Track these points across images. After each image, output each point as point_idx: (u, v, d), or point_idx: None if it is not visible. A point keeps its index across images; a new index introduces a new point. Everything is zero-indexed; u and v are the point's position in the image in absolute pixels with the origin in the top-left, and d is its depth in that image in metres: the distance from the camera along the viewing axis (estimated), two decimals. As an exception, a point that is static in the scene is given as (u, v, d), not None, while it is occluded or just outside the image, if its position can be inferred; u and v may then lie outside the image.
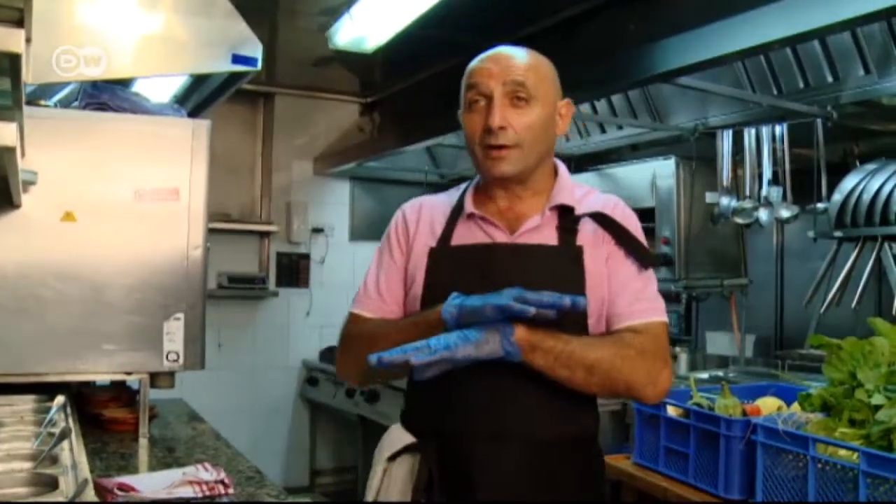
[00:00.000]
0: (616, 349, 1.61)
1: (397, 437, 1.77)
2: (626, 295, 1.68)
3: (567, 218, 1.71)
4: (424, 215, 1.82)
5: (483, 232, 1.73)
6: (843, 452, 1.91)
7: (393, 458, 1.76)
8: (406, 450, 1.74)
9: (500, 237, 1.72)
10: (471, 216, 1.75)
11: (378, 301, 1.80)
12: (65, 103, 2.90)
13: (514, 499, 1.64)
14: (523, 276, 1.61)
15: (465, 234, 1.74)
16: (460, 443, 1.66)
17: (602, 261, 1.69)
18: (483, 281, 1.62)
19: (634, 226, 1.75)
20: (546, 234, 1.71)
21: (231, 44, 2.68)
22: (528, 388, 1.62)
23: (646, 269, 1.71)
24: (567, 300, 1.46)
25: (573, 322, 1.61)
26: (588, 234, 1.70)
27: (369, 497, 1.77)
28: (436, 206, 1.84)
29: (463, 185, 1.85)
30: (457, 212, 1.78)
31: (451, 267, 1.73)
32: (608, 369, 1.58)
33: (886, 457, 1.84)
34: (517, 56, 1.69)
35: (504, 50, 1.71)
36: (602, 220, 1.71)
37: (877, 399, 1.91)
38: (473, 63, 1.71)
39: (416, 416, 1.77)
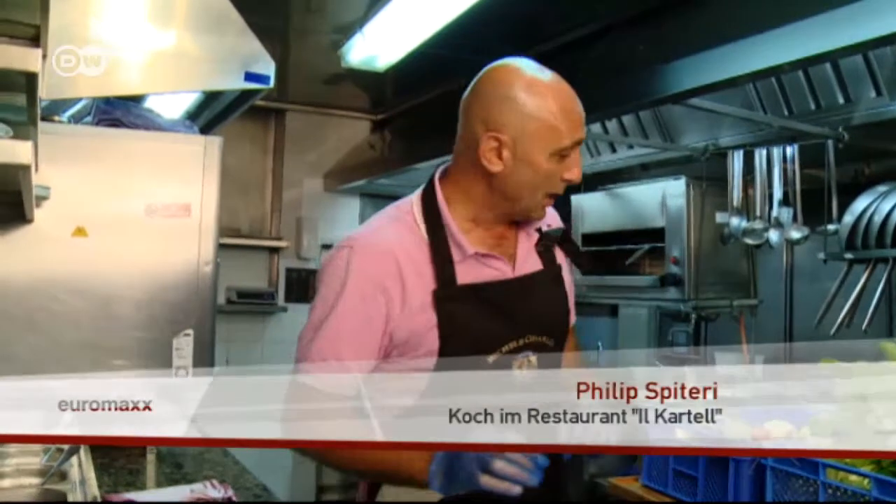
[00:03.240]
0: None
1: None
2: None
3: (541, 241, 1.76)
4: (402, 257, 1.63)
5: (489, 268, 1.68)
6: (853, 478, 1.90)
7: None
8: None
9: (507, 270, 1.70)
10: (472, 254, 1.66)
11: (349, 370, 1.59)
12: (77, 118, 2.92)
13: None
14: (532, 306, 1.68)
15: (470, 272, 1.66)
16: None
17: (566, 272, 1.81)
18: (505, 319, 1.65)
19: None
20: (533, 258, 1.75)
21: (244, 61, 2.69)
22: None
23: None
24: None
25: (564, 341, 1.76)
26: (557, 250, 1.79)
27: None
28: (405, 245, 1.65)
29: (414, 210, 1.70)
30: (444, 246, 1.65)
31: (466, 311, 1.64)
32: None
33: (897, 483, 1.83)
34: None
35: (576, 96, 1.65)
36: (564, 238, 1.80)
37: (889, 425, 1.90)
38: (570, 107, 1.62)
39: None
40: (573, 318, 1.85)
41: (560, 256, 1.80)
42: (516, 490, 1.42)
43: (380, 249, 1.62)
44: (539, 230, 1.77)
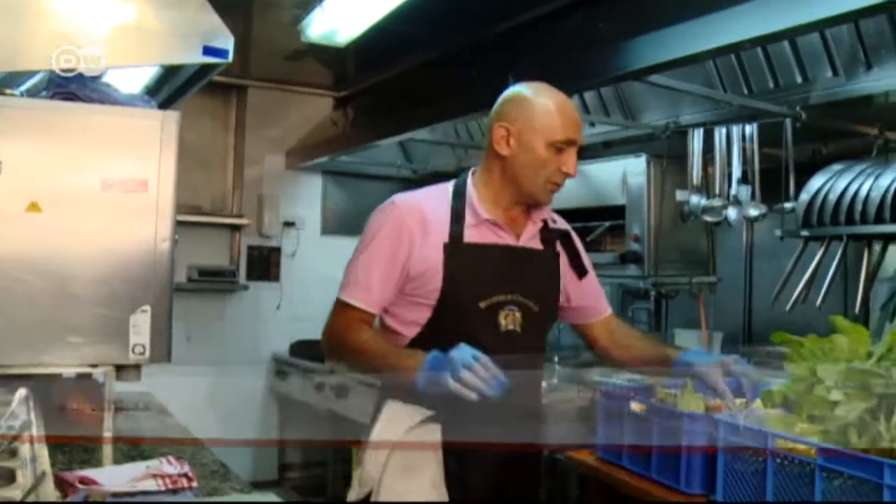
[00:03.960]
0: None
1: (408, 412, 2.07)
2: (601, 298, 2.42)
3: (547, 231, 2.24)
4: (428, 213, 2.10)
5: (496, 235, 2.13)
6: (801, 447, 1.94)
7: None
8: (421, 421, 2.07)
9: (510, 240, 2.15)
10: (483, 220, 2.12)
11: (378, 295, 2.08)
12: (32, 93, 2.87)
13: (515, 456, 2.12)
14: (523, 272, 2.14)
15: (478, 235, 2.11)
16: (482, 411, 1.90)
17: (565, 265, 2.29)
18: (499, 275, 2.09)
19: (580, 245, 2.36)
20: (536, 240, 2.21)
21: (202, 35, 2.66)
22: (538, 364, 2.22)
23: (580, 278, 2.31)
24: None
25: (550, 318, 2.28)
26: (558, 243, 2.27)
27: (373, 470, 2.07)
28: (434, 205, 2.13)
29: (449, 187, 2.19)
30: (461, 213, 2.12)
31: (470, 262, 2.08)
32: None
33: (842, 451, 1.86)
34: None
35: (577, 111, 2.16)
36: (565, 238, 2.29)
37: (835, 395, 1.93)
38: (569, 113, 2.10)
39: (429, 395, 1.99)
40: (608, 309, 2.43)
41: (559, 250, 2.26)
42: (473, 396, 1.79)
43: (412, 206, 2.12)
44: (545, 223, 2.22)
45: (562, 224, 2.33)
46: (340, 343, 2.11)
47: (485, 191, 2.16)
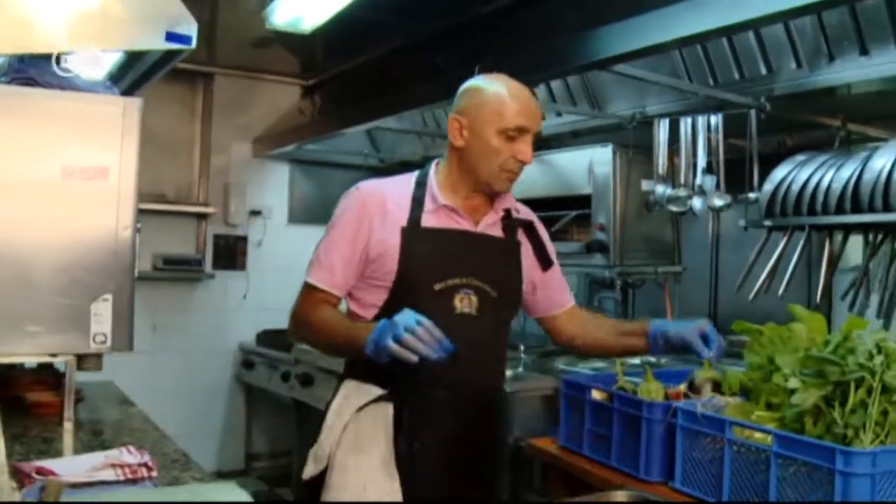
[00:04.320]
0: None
1: (363, 390, 2.12)
2: (565, 289, 2.41)
3: (509, 219, 2.24)
4: (389, 198, 2.14)
5: (453, 220, 2.16)
6: (758, 435, 1.96)
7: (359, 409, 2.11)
8: (373, 401, 2.10)
9: (468, 226, 2.17)
10: (441, 206, 2.14)
11: (340, 277, 2.12)
12: (-8, 79, 2.82)
13: (469, 435, 2.12)
14: (485, 259, 2.16)
15: (436, 220, 2.14)
16: (435, 392, 2.07)
17: (527, 258, 2.28)
18: (455, 259, 2.12)
19: (546, 235, 2.36)
20: (496, 229, 2.22)
21: (166, 21, 2.64)
22: (492, 347, 2.21)
23: (545, 269, 2.31)
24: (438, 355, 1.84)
25: (511, 304, 2.26)
26: (521, 233, 2.28)
27: (327, 446, 2.12)
28: (395, 191, 2.17)
29: (413, 176, 2.23)
30: (421, 199, 2.15)
31: (426, 246, 2.11)
32: None
33: (796, 438, 1.89)
34: (539, 107, 2.16)
35: (534, 99, 2.15)
36: (529, 228, 2.30)
37: (792, 383, 1.96)
38: (518, 99, 2.09)
39: (380, 371, 2.02)
40: (572, 300, 2.43)
41: (522, 240, 2.27)
42: (415, 359, 1.81)
43: (375, 191, 2.16)
44: (508, 212, 2.24)
45: (526, 214, 2.34)
46: (304, 322, 2.14)
47: (445, 179, 2.18)
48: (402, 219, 2.12)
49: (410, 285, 2.08)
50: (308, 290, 2.15)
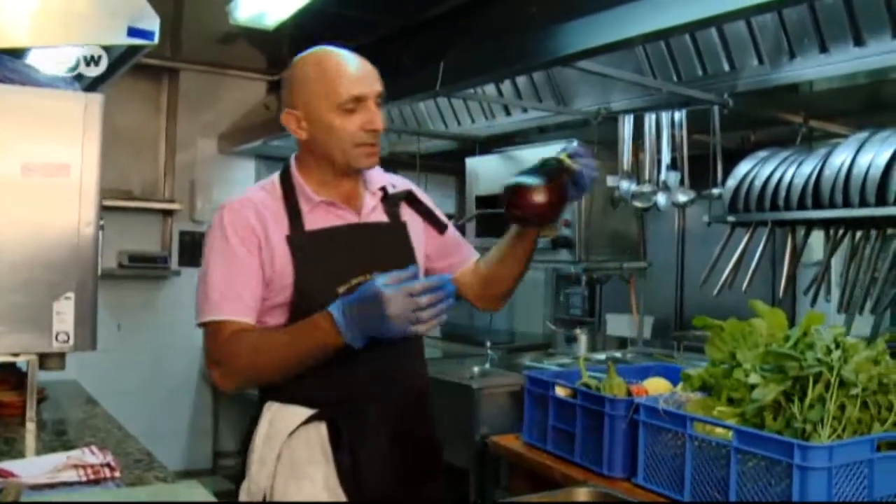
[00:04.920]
0: None
1: (288, 412, 1.93)
2: (463, 246, 2.25)
3: (388, 200, 2.08)
4: (262, 208, 1.94)
5: (335, 216, 1.99)
6: (719, 430, 1.98)
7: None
8: (304, 423, 1.93)
9: (352, 218, 2.01)
10: (319, 203, 1.97)
11: (251, 302, 1.89)
12: (-49, 74, 2.78)
13: (406, 434, 1.99)
14: (375, 248, 1.99)
15: (318, 219, 1.97)
16: (360, 404, 1.94)
17: (418, 231, 2.12)
18: (351, 256, 1.95)
19: (425, 197, 2.18)
20: (378, 213, 2.06)
21: (128, 16, 2.62)
22: (410, 351, 2.04)
23: (442, 233, 2.16)
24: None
25: None
26: (406, 210, 2.12)
27: (264, 475, 1.92)
28: (265, 199, 1.97)
29: (273, 180, 2.03)
30: (295, 202, 1.97)
31: (316, 249, 1.94)
32: None
33: (755, 434, 1.91)
34: (370, 64, 1.96)
35: (360, 58, 1.96)
36: (410, 198, 2.13)
37: (753, 378, 1.98)
38: (342, 69, 1.91)
39: (315, 391, 1.91)
40: (474, 254, 2.26)
41: (407, 215, 2.11)
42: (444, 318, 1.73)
43: (242, 203, 1.95)
44: (384, 190, 2.08)
45: (402, 184, 2.15)
46: (233, 359, 1.87)
47: (309, 175, 2.00)
48: (283, 226, 1.93)
49: (311, 294, 1.88)
50: (217, 329, 1.88)
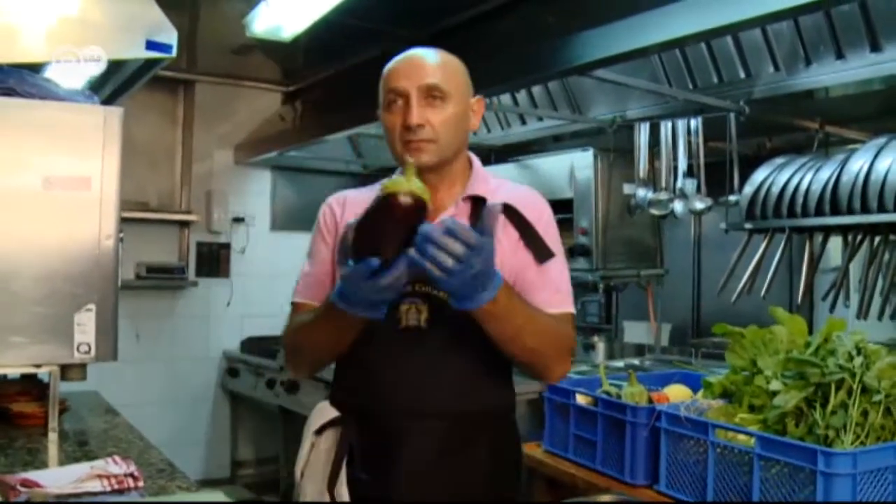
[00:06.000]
0: (555, 328, 1.76)
1: (323, 412, 1.89)
2: (549, 285, 1.81)
3: (480, 208, 1.76)
4: (349, 206, 1.91)
5: None
6: (741, 437, 1.98)
7: (319, 431, 1.88)
8: (331, 424, 1.87)
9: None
10: None
11: (315, 288, 1.90)
12: (-28, 89, 2.81)
13: (432, 472, 1.76)
14: None
15: None
16: (382, 418, 1.79)
17: (510, 251, 1.80)
18: None
19: (547, 218, 1.88)
20: (459, 218, 1.76)
21: (146, 30, 2.65)
22: (448, 366, 1.78)
23: (540, 263, 1.82)
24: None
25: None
26: (506, 225, 1.81)
27: (298, 468, 1.91)
28: (359, 198, 1.89)
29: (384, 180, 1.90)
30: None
31: None
32: (548, 343, 1.74)
33: (778, 440, 1.91)
34: (428, 57, 1.80)
35: (417, 52, 1.82)
36: (509, 212, 1.80)
37: (774, 385, 1.98)
38: (389, 65, 1.82)
39: (342, 393, 1.88)
40: (569, 307, 1.84)
41: (505, 231, 1.80)
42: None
43: (339, 200, 1.96)
44: (476, 198, 1.84)
45: (505, 194, 1.86)
46: (285, 338, 1.92)
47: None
48: None
49: None
50: (293, 310, 1.95)
